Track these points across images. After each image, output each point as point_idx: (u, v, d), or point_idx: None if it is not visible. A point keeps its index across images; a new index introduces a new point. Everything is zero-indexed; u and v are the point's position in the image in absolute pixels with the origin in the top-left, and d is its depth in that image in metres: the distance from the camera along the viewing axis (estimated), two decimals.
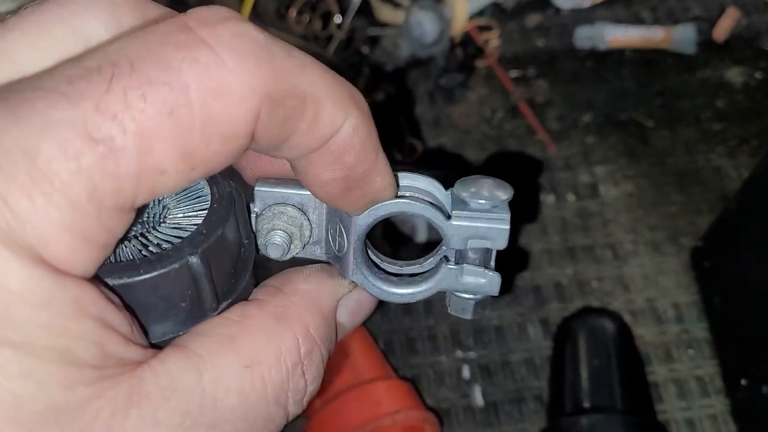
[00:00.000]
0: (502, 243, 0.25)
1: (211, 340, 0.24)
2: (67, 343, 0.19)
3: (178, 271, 0.23)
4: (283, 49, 0.21)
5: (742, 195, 0.71)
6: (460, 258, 0.27)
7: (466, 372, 0.82)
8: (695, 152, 0.95)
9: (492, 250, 0.26)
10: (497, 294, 0.27)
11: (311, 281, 0.28)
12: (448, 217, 0.26)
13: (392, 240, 0.81)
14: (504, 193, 0.25)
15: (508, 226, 0.25)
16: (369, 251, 0.28)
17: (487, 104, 0.97)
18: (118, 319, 0.21)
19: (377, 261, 0.29)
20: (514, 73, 1.00)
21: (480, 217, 0.25)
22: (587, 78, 1.00)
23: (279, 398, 0.24)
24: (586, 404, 0.70)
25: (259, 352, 0.24)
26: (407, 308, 0.85)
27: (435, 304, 0.85)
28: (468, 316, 0.28)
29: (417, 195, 0.26)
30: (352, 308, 0.29)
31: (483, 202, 0.25)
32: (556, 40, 1.03)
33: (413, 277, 0.29)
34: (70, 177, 0.19)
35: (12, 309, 0.18)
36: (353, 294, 0.29)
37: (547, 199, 0.91)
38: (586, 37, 1.01)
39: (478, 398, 0.80)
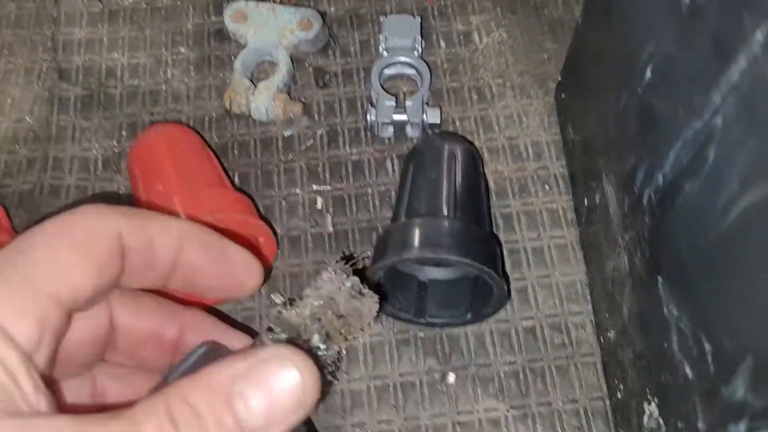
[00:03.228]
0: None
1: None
2: None
3: None
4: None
5: (583, 20, 0.70)
6: None
7: (319, 203, 0.81)
8: (572, 4, 0.93)
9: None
10: None
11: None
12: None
13: None
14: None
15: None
16: None
17: None
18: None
19: None
20: None
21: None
22: None
23: None
24: (416, 213, 0.70)
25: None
26: (266, 144, 0.85)
27: (293, 140, 0.85)
28: None
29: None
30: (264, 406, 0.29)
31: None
32: None
33: None
34: None
35: None
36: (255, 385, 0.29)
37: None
38: None
39: (328, 226, 0.80)
